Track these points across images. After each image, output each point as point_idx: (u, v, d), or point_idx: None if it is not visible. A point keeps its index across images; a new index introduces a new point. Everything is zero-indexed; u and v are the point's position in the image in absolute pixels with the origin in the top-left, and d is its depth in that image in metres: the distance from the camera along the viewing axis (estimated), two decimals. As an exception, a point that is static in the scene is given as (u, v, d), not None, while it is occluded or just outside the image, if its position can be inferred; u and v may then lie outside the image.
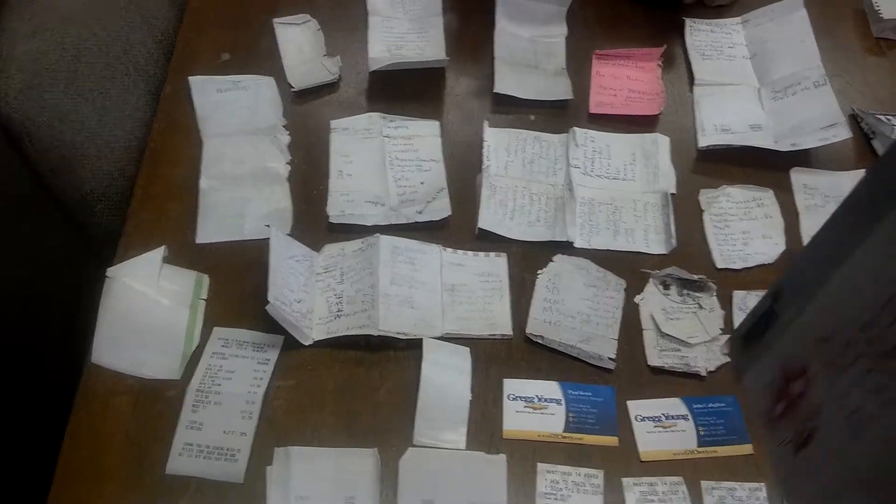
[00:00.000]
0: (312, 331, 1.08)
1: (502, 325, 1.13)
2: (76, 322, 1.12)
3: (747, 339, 0.72)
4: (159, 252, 1.12)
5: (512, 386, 1.07)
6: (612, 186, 1.28)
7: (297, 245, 1.14)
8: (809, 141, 1.31)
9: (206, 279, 1.13)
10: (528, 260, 1.19)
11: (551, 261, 1.19)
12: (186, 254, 1.15)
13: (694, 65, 1.44)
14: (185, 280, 1.12)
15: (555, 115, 1.36)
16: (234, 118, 1.28)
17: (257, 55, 1.37)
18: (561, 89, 1.38)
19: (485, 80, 1.38)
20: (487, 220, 1.21)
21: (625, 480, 1.01)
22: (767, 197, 1.28)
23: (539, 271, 1.17)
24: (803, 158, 1.32)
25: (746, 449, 1.04)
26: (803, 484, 0.65)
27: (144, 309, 1.08)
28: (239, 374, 1.05)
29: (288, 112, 1.30)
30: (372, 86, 1.35)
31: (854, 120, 1.40)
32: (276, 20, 1.41)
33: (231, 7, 1.44)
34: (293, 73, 1.34)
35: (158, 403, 1.03)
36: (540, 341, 1.11)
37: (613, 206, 1.26)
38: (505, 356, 1.10)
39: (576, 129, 1.33)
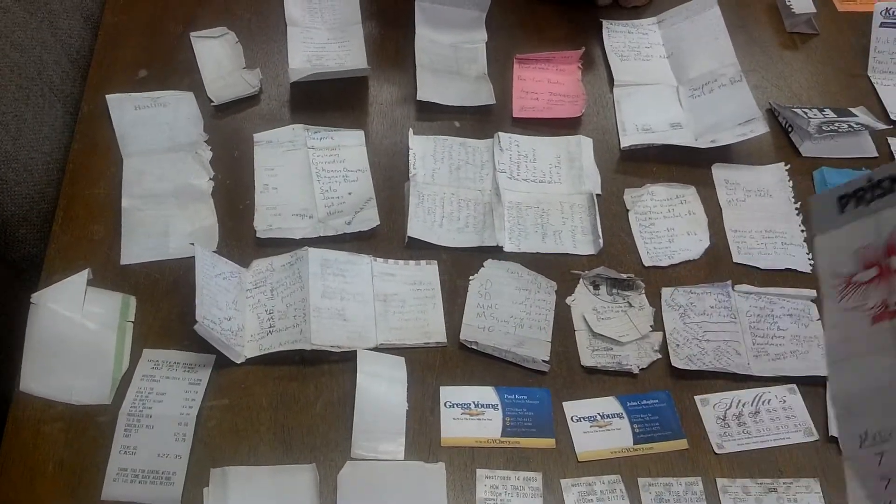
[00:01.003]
0: (244, 348, 1.07)
1: (436, 332, 1.13)
2: (3, 350, 1.09)
3: (844, 200, 0.70)
4: (83, 275, 1.10)
5: (448, 393, 1.07)
6: (539, 190, 1.29)
7: (224, 262, 1.13)
8: (728, 137, 1.33)
9: (132, 301, 1.10)
10: (458, 266, 1.19)
11: (482, 266, 1.19)
12: (111, 276, 1.13)
13: (613, 66, 1.46)
14: (110, 302, 1.09)
15: (479, 121, 1.36)
16: (154, 135, 1.26)
17: (175, 70, 1.35)
18: (483, 95, 1.38)
19: (408, 88, 1.38)
20: (417, 228, 1.21)
21: (563, 482, 1.02)
22: (690, 193, 1.31)
23: (470, 277, 1.18)
24: (724, 154, 1.35)
25: (681, 444, 1.06)
26: (869, 356, 0.65)
27: (71, 334, 1.05)
28: (170, 395, 1.03)
29: (209, 127, 1.28)
30: (294, 97, 1.34)
31: (771, 114, 1.43)
32: (193, 34, 1.39)
33: (147, 23, 1.41)
34: (213, 88, 1.32)
35: (90, 429, 1.01)
36: (474, 347, 1.11)
37: (540, 209, 1.27)
38: (440, 364, 1.10)
39: (500, 133, 1.33)
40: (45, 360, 1.03)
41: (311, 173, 1.25)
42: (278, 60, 1.38)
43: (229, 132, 1.29)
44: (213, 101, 1.31)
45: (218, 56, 1.37)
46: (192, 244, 1.11)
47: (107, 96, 1.29)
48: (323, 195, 1.23)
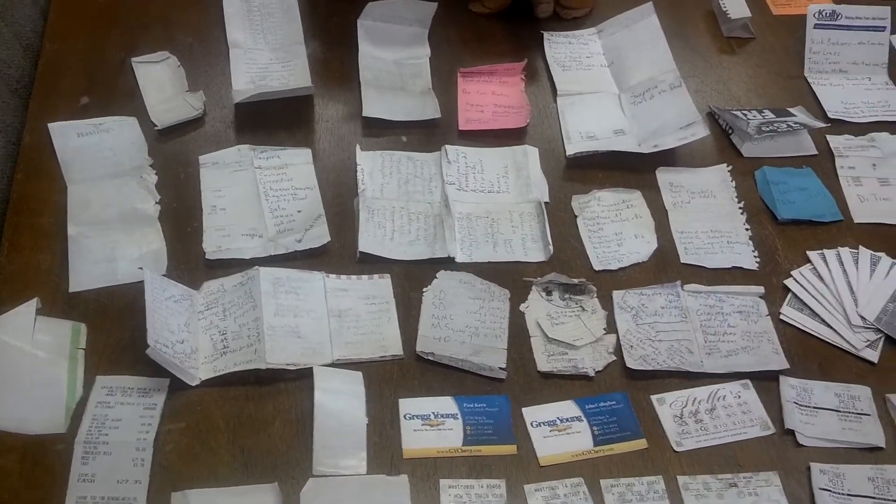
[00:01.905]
0: (198, 370, 1.06)
1: (392, 345, 1.12)
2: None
3: None
4: (31, 304, 1.08)
5: (407, 405, 1.07)
6: (488, 200, 1.30)
7: (174, 285, 1.12)
8: (670, 141, 1.36)
9: (83, 328, 1.09)
10: (411, 279, 1.19)
11: (435, 278, 1.19)
12: (60, 304, 1.11)
13: (555, 76, 1.48)
14: (60, 331, 1.08)
15: (426, 135, 1.37)
16: (98, 162, 1.24)
17: (118, 96, 1.34)
18: (429, 109, 1.39)
19: (353, 105, 1.38)
20: (368, 242, 1.21)
21: (526, 487, 1.02)
22: (636, 198, 1.32)
23: (424, 289, 1.18)
24: (667, 158, 1.37)
25: (641, 444, 1.07)
26: None
27: (22, 364, 1.04)
28: (126, 421, 1.01)
29: (153, 151, 1.28)
30: (239, 118, 1.34)
31: (712, 117, 1.46)
32: (134, 59, 1.38)
33: (87, 50, 1.40)
34: (156, 112, 1.31)
35: (47, 459, 0.99)
36: (431, 358, 1.11)
37: (490, 218, 1.27)
38: (398, 376, 1.10)
39: (447, 146, 1.34)
40: (-3, 392, 1.02)
41: (259, 193, 1.24)
42: (221, 82, 1.38)
43: (174, 155, 1.28)
44: (156, 126, 1.30)
45: (160, 80, 1.36)
46: (141, 268, 1.10)
47: (49, 125, 1.28)
48: (272, 214, 1.22)
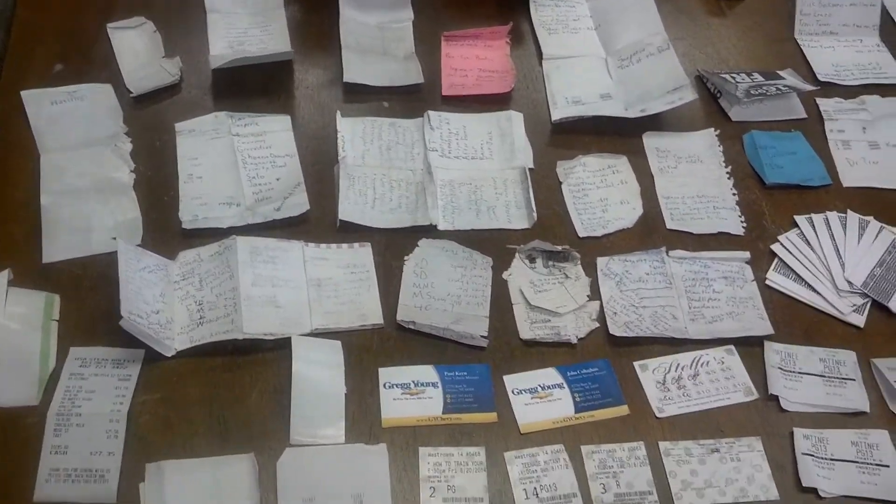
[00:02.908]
0: (174, 341, 1.04)
1: (372, 314, 1.11)
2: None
3: None
4: (3, 276, 1.06)
5: (387, 374, 1.06)
6: (471, 166, 1.28)
7: (149, 255, 1.10)
8: (657, 105, 1.33)
9: (56, 299, 1.07)
10: (393, 247, 1.18)
11: (416, 246, 1.18)
12: (34, 275, 1.09)
13: (541, 40, 1.46)
14: (33, 302, 1.06)
15: (408, 101, 1.35)
16: (72, 130, 1.22)
17: (92, 63, 1.32)
18: (412, 74, 1.37)
19: (334, 70, 1.36)
20: (348, 210, 1.19)
21: (507, 454, 1.01)
22: (622, 163, 1.30)
23: (405, 257, 1.16)
24: (654, 123, 1.35)
25: (622, 410, 1.06)
26: None
27: (-7, 336, 1.02)
28: (100, 393, 1.00)
29: (129, 119, 1.25)
30: (216, 85, 1.31)
31: (700, 81, 1.44)
32: (109, 25, 1.36)
33: (61, 16, 1.37)
34: (131, 78, 1.29)
35: (19, 431, 0.98)
36: (412, 327, 1.10)
37: (473, 185, 1.25)
38: (378, 346, 1.09)
39: (430, 112, 1.32)
40: (-32, 365, 1.00)
41: (236, 161, 1.22)
42: (199, 48, 1.35)
43: (150, 123, 1.26)
44: (132, 93, 1.27)
45: (136, 46, 1.34)
46: (115, 238, 1.08)
47: (22, 92, 1.26)
48: (250, 182, 1.20)
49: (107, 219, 1.15)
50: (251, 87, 1.32)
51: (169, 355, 1.04)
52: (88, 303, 1.08)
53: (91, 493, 0.94)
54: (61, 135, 1.22)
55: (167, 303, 1.07)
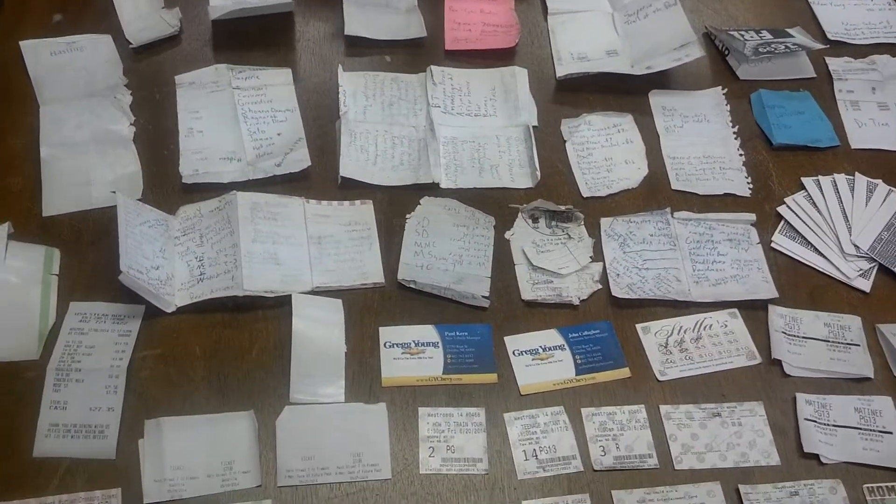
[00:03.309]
0: (174, 297, 1.04)
1: (373, 273, 1.10)
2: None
3: None
4: (3, 229, 1.06)
5: (388, 334, 1.05)
6: (474, 124, 1.26)
7: (149, 209, 1.09)
8: (664, 62, 1.31)
9: (56, 253, 1.07)
10: (395, 205, 1.16)
11: (418, 204, 1.16)
12: (34, 228, 1.09)
13: (547, -7, 1.43)
14: (33, 256, 1.05)
15: (411, 55, 1.33)
16: (71, 81, 1.21)
17: (92, 13, 1.30)
18: (414, 27, 1.34)
19: (336, 23, 1.34)
20: (349, 167, 1.18)
21: (506, 416, 1.00)
22: (627, 122, 1.29)
23: (407, 216, 1.15)
24: (661, 80, 1.33)
25: (623, 373, 1.05)
26: None
27: (-8, 290, 1.02)
28: (100, 348, 1.00)
29: (128, 70, 1.24)
30: (216, 36, 1.29)
31: (708, 38, 1.41)
32: (108, -25, 1.33)
33: (60, -36, 1.35)
34: (131, 29, 1.27)
35: (18, 385, 0.98)
36: (413, 286, 1.09)
37: (476, 143, 1.24)
38: (378, 305, 1.08)
39: (433, 67, 1.30)
40: (-33, 319, 1.00)
41: (237, 115, 1.20)
42: (199, -2, 1.33)
43: (150, 75, 1.24)
44: (131, 44, 1.26)
45: (135, -4, 1.32)
46: (114, 192, 1.07)
47: (20, 43, 1.24)
48: (251, 137, 1.19)
49: (106, 172, 1.14)
50: (251, 38, 1.30)
51: (169, 311, 1.03)
52: (89, 257, 1.07)
53: (90, 449, 0.94)
54: (60, 86, 1.20)
55: (167, 258, 1.06)
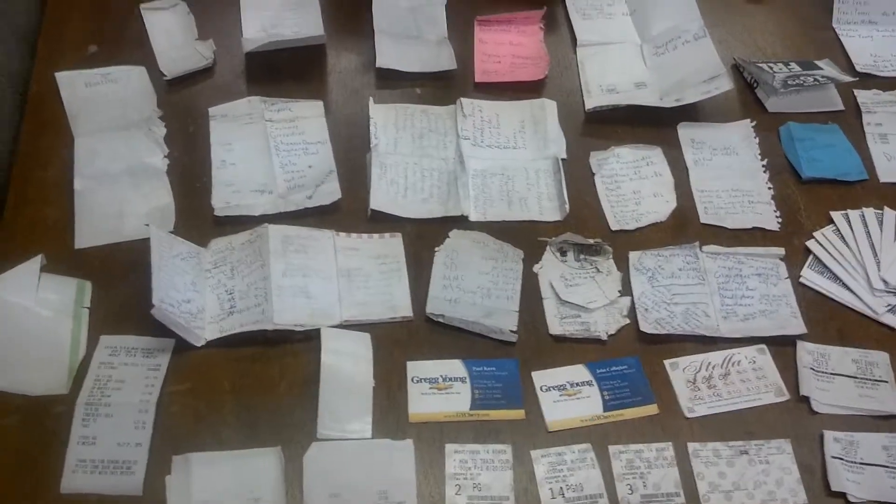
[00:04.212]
0: (205, 331, 1.05)
1: (402, 306, 1.11)
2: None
3: None
4: (36, 261, 1.07)
5: (415, 368, 1.06)
6: (504, 156, 1.27)
7: (181, 242, 1.10)
8: (693, 95, 1.31)
9: (88, 286, 1.08)
10: (424, 238, 1.17)
11: (447, 237, 1.17)
12: (66, 260, 1.10)
13: (575, 25, 1.44)
14: (65, 288, 1.07)
15: (441, 87, 1.33)
16: (106, 113, 1.22)
17: (126, 44, 1.32)
18: (444, 59, 1.35)
19: (367, 55, 1.35)
20: (380, 200, 1.18)
21: (533, 453, 1.00)
22: (656, 155, 1.29)
23: (436, 248, 1.16)
24: (689, 113, 1.33)
25: (651, 410, 1.05)
26: None
27: (25, 323, 1.03)
28: (129, 382, 1.01)
29: (162, 102, 1.25)
30: (249, 68, 1.31)
31: (736, 70, 1.41)
32: (143, 6, 1.35)
33: (95, -5, 1.37)
34: (165, 61, 1.29)
35: (48, 420, 0.98)
36: (441, 320, 1.10)
37: (506, 175, 1.24)
38: (407, 338, 1.09)
39: (462, 99, 1.31)
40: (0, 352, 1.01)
41: (269, 147, 1.22)
42: (232, 30, 1.35)
43: (183, 107, 1.26)
44: (165, 75, 1.27)
45: (169, 28, 1.33)
46: (148, 225, 1.08)
47: (56, 74, 1.26)
48: (282, 169, 1.20)
49: (140, 204, 1.15)
50: (284, 70, 1.31)
51: (199, 345, 1.04)
52: (120, 290, 1.08)
53: (118, 486, 0.94)
54: (95, 117, 1.22)
55: (199, 291, 1.07)
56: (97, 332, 1.05)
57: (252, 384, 1.03)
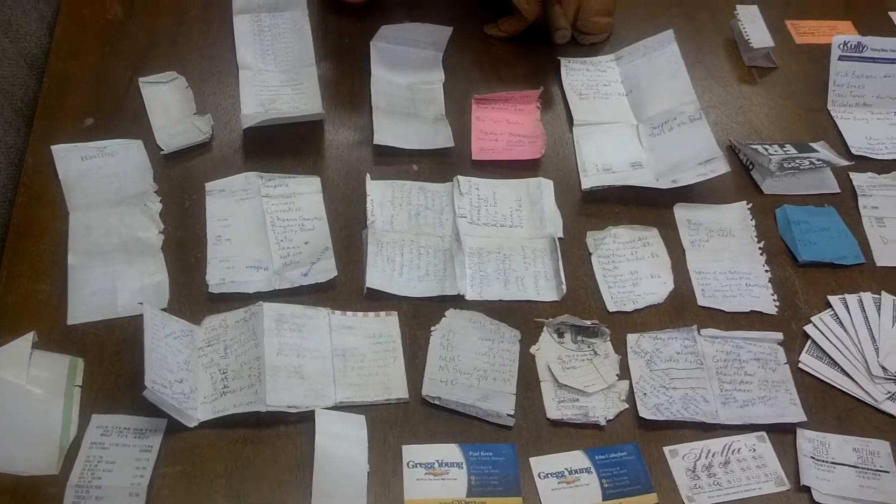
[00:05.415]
0: (197, 411, 1.03)
1: (398, 388, 1.09)
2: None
3: None
4: (28, 338, 1.05)
5: (411, 452, 1.04)
6: (500, 234, 1.26)
7: (175, 321, 1.09)
8: (689, 177, 1.32)
9: (80, 363, 1.06)
10: (420, 317, 1.16)
11: (444, 316, 1.16)
12: (58, 337, 1.08)
13: (572, 105, 1.44)
14: (57, 366, 1.05)
15: (438, 164, 1.33)
16: (101, 187, 1.21)
17: (123, 118, 1.31)
18: (442, 137, 1.35)
19: (364, 131, 1.35)
20: (376, 278, 1.17)
21: (532, 543, 0.99)
22: (652, 235, 1.29)
23: (432, 328, 1.15)
24: (685, 194, 1.33)
25: (651, 499, 1.03)
26: None
27: (15, 401, 1.01)
28: (121, 464, 0.98)
29: (159, 176, 1.24)
30: (247, 143, 1.31)
31: (732, 151, 1.42)
32: (141, 79, 1.35)
33: (94, 68, 1.37)
34: (162, 135, 1.28)
35: (38, 502, 0.96)
36: (437, 402, 1.08)
37: (502, 254, 1.24)
38: (402, 421, 1.07)
39: (459, 177, 1.31)
40: (-11, 430, 0.99)
41: (265, 223, 1.21)
42: (230, 105, 1.35)
43: (180, 181, 1.25)
44: (162, 150, 1.27)
45: (167, 102, 1.33)
46: (141, 303, 1.06)
47: (52, 147, 1.25)
48: (278, 245, 1.19)
49: (133, 281, 1.13)
50: (282, 146, 1.31)
51: (191, 426, 1.02)
52: (113, 368, 1.06)
53: (106, 572, 0.92)
54: (90, 192, 1.21)
55: (191, 370, 1.05)
56: (89, 410, 1.03)
57: (245, 467, 1.00)
